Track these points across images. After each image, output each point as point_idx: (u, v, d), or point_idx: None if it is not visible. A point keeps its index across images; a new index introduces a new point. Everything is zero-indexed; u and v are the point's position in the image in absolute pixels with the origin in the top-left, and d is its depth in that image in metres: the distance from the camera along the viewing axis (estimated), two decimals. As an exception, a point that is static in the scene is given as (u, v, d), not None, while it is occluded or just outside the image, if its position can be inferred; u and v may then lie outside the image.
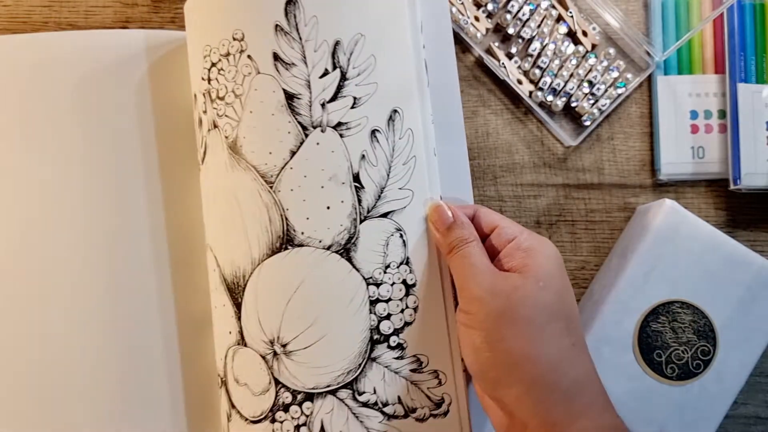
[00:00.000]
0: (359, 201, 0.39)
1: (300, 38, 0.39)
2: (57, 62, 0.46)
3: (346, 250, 0.39)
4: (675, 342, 0.46)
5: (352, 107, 0.39)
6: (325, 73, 0.39)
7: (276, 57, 0.39)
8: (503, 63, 0.51)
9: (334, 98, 0.39)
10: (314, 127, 0.39)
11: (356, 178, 0.39)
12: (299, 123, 0.39)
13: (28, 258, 0.44)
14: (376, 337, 0.39)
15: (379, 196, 0.39)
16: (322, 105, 0.39)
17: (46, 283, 0.44)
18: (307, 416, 0.39)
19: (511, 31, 0.51)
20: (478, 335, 0.34)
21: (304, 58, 0.39)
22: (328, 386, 0.39)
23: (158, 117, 0.46)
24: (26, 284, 0.44)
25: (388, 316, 0.39)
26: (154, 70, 0.46)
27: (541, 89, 0.50)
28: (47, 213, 0.45)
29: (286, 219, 0.39)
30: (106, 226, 0.45)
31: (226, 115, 0.40)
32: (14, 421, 0.43)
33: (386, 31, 0.40)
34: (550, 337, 0.34)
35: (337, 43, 0.39)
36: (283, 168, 0.39)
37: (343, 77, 0.39)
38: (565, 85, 0.50)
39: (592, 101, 0.50)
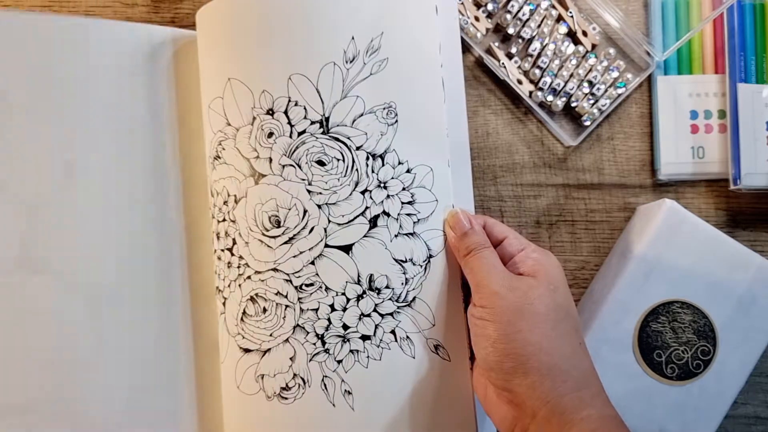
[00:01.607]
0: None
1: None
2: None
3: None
4: (675, 342, 0.46)
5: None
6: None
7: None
8: (503, 63, 0.51)
9: None
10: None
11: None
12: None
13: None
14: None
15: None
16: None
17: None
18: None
19: (511, 31, 0.51)
20: (495, 327, 0.36)
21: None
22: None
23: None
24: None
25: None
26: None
27: (541, 89, 0.50)
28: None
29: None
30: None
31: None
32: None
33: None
34: (563, 333, 0.37)
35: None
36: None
37: None
38: (565, 85, 0.50)
39: (592, 101, 0.51)
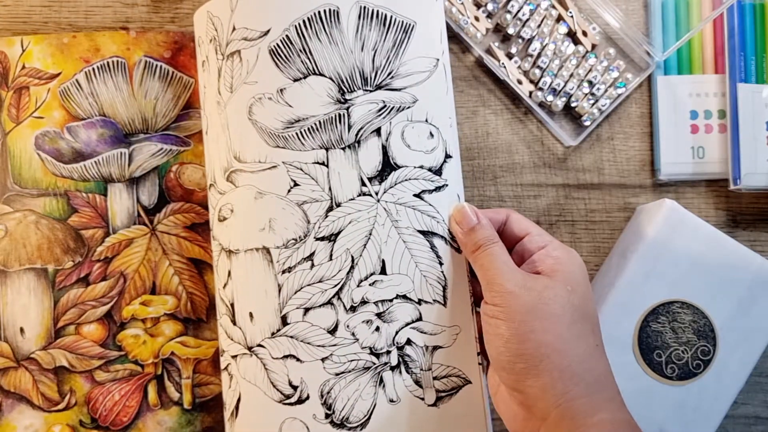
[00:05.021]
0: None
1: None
2: None
3: None
4: (675, 342, 0.46)
5: None
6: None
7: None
8: (503, 63, 0.51)
9: None
10: None
11: None
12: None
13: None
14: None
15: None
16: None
17: None
18: None
19: (511, 31, 0.51)
20: (507, 327, 0.36)
21: None
22: None
23: None
24: None
25: None
26: None
27: (541, 89, 0.50)
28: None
29: None
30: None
31: None
32: None
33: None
34: (578, 335, 0.36)
35: None
36: None
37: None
38: (565, 85, 0.50)
39: (592, 101, 0.50)
